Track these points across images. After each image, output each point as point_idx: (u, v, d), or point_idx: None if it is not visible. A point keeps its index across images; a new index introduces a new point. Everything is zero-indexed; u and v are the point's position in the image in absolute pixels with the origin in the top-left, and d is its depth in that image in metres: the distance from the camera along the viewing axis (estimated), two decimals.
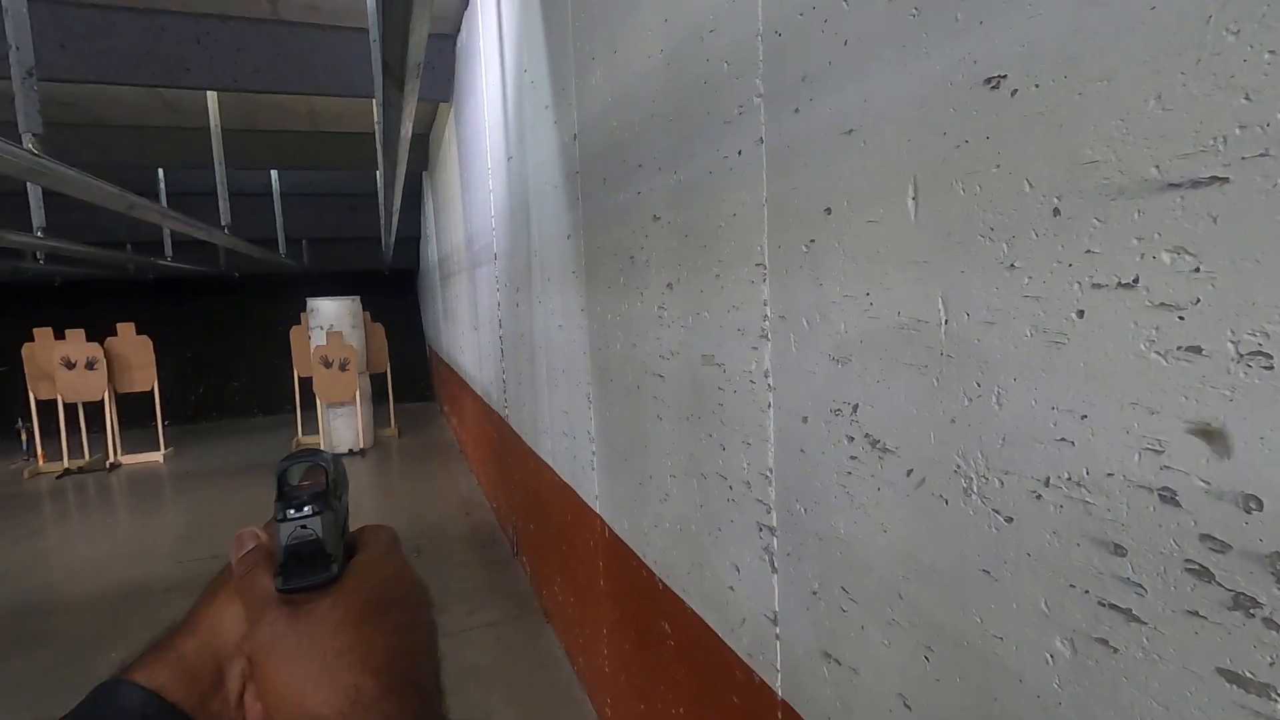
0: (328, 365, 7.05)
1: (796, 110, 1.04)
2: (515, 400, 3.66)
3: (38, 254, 7.36)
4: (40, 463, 7.11)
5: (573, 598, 2.76)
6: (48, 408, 7.13)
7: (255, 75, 4.42)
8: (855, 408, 0.96)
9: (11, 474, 7.17)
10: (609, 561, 2.21)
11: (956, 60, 0.75)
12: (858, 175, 0.92)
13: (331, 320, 7.22)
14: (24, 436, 7.51)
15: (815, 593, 1.09)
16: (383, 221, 5.35)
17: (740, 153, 1.20)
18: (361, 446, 7.30)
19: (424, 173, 8.38)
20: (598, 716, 2.54)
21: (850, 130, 0.93)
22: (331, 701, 0.36)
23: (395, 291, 11.76)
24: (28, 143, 2.19)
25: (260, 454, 7.69)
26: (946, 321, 0.80)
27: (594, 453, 2.27)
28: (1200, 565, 0.55)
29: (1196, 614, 0.56)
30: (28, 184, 5.04)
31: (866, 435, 0.94)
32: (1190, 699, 0.57)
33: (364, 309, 7.88)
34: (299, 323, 7.93)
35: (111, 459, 7.17)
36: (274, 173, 7.90)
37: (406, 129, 2.32)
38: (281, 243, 7.94)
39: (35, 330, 6.94)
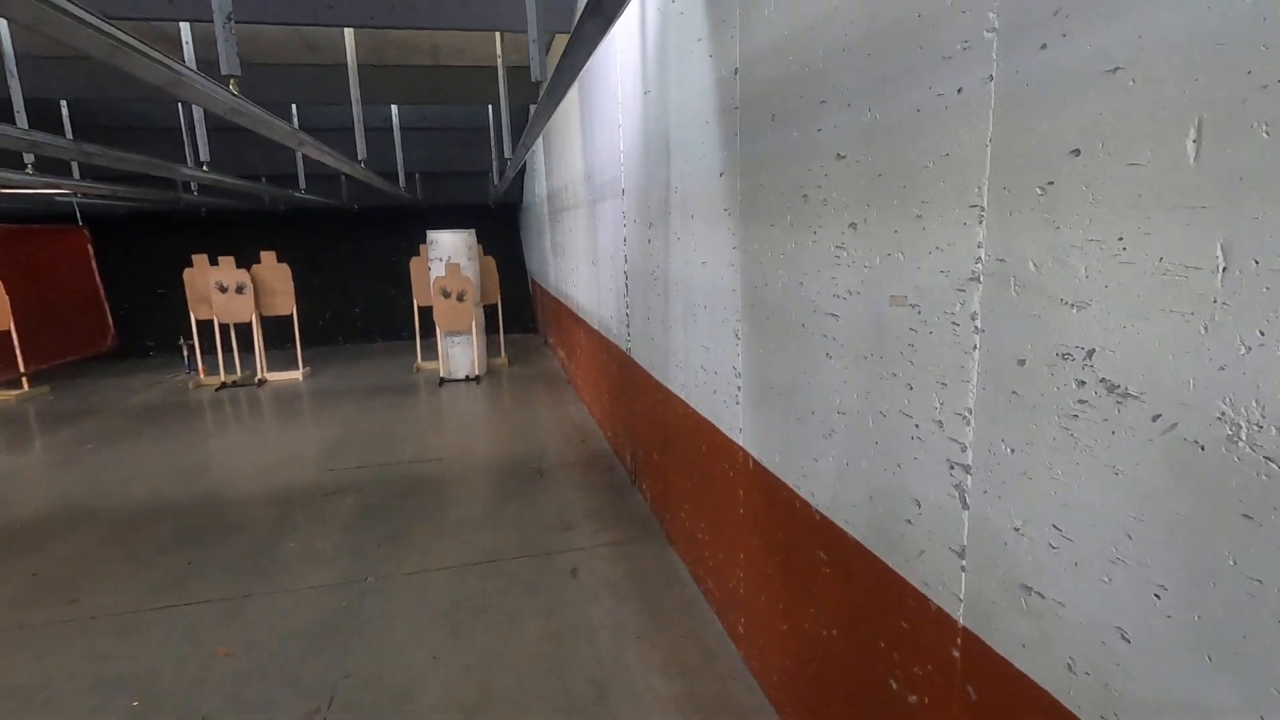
0: (446, 296, 7.43)
1: (1043, 46, 1.01)
2: (640, 335, 3.77)
3: (192, 185, 8.04)
4: (201, 376, 7.98)
5: (703, 523, 2.91)
6: (205, 327, 7.94)
7: (391, 12, 4.56)
8: (1090, 353, 0.97)
9: (178, 385, 8.10)
10: (752, 491, 2.31)
11: None
12: (1119, 115, 0.90)
13: (450, 252, 7.55)
14: (186, 352, 8.41)
15: (1018, 529, 1.13)
16: (510, 157, 5.47)
17: (960, 90, 1.18)
18: (477, 374, 7.74)
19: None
20: (727, 633, 2.71)
21: (1116, 68, 0.90)
22: None
23: (499, 225, 12.09)
24: (231, 86, 2.41)
25: (386, 377, 8.30)
26: (1225, 268, 0.79)
27: (739, 388, 2.34)
28: None
29: None
30: (193, 122, 5.48)
31: (1102, 380, 0.95)
32: None
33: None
34: (411, 254, 8.35)
35: (260, 376, 7.95)
36: (394, 108, 8.19)
37: (583, 65, 2.35)
38: (401, 177, 8.30)
39: (194, 257, 7.65)
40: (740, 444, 2.38)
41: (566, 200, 6.46)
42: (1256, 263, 0.76)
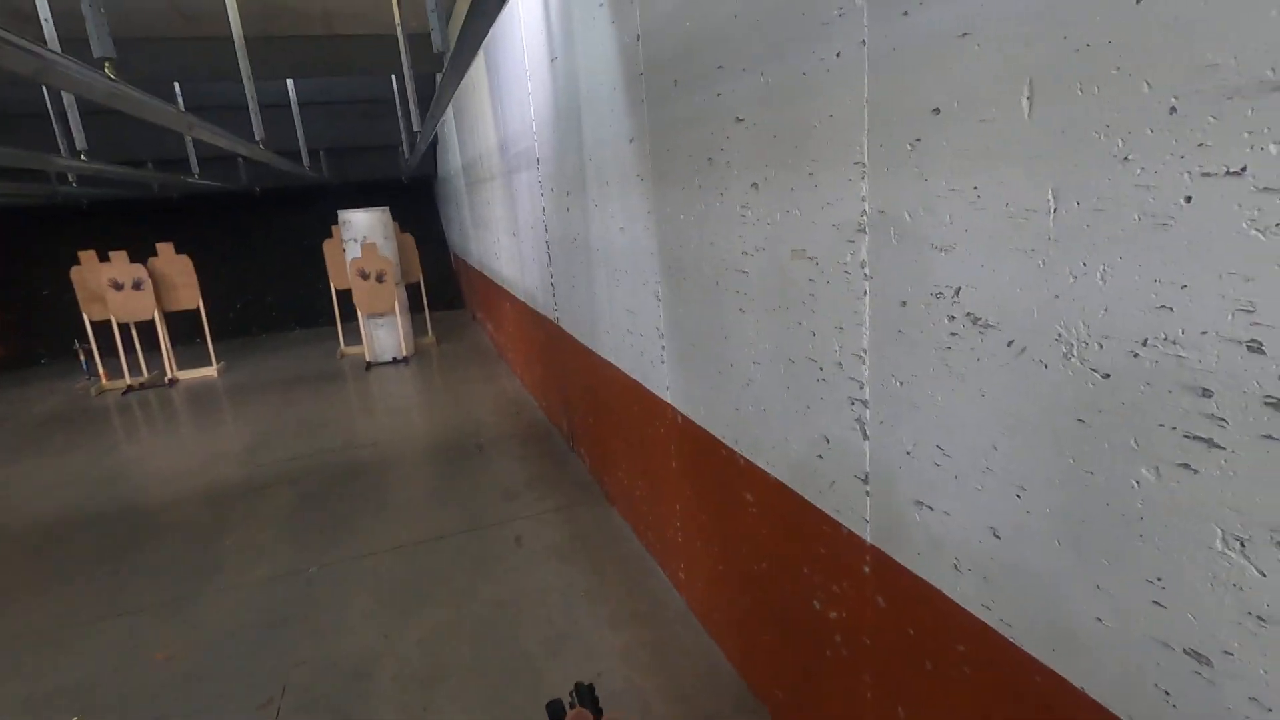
0: (365, 277, 7.20)
1: (905, 13, 1.10)
2: (567, 304, 3.81)
3: (70, 176, 7.42)
4: (104, 381, 7.50)
5: (640, 480, 3.03)
6: (102, 329, 7.43)
7: None
8: (958, 290, 1.09)
9: (78, 392, 7.58)
10: (682, 445, 2.43)
11: None
12: (970, 77, 1.01)
13: (364, 232, 7.30)
14: (83, 357, 7.87)
15: (909, 453, 1.27)
16: (420, 129, 5.31)
17: (839, 54, 1.27)
18: (405, 355, 7.58)
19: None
20: (669, 580, 2.86)
21: (965, 34, 1.00)
22: None
23: (415, 200, 11.71)
24: (107, 69, 2.26)
25: (308, 366, 8.02)
26: (1055, 210, 0.91)
27: (664, 348, 2.43)
28: (1279, 399, 0.70)
29: (1270, 437, 0.71)
30: (63, 107, 5.05)
31: (968, 314, 1.08)
32: (1259, 502, 0.73)
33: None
34: (324, 236, 8.01)
35: (169, 375, 7.53)
36: (290, 82, 7.75)
37: (486, 33, 2.31)
38: (304, 155, 7.90)
39: (80, 254, 7.11)
40: (668, 401, 2.49)
41: (482, 173, 6.34)
42: (1078, 204, 0.88)
